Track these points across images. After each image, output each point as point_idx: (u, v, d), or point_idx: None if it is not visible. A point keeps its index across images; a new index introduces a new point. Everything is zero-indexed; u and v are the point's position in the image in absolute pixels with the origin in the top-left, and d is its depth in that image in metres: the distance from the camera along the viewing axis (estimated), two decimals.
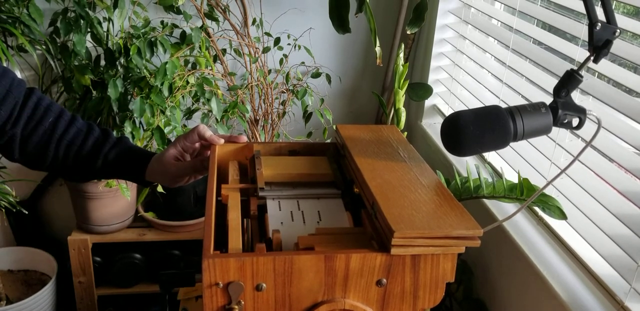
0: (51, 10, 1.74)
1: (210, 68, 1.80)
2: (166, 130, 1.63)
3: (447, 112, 1.93)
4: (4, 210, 1.75)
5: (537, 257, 1.27)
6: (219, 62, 1.91)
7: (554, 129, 0.79)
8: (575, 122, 0.79)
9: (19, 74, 1.82)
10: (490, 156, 1.62)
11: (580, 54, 1.23)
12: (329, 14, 1.68)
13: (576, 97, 1.25)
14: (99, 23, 1.70)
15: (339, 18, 1.68)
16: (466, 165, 1.51)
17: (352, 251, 0.68)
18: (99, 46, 1.76)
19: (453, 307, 1.59)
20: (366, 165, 0.84)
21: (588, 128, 0.86)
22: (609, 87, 1.16)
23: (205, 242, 0.68)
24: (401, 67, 1.59)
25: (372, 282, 0.70)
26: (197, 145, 1.01)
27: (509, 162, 1.48)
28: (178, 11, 1.79)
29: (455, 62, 1.84)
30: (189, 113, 1.84)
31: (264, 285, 0.67)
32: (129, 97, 1.68)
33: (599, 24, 0.75)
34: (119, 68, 1.74)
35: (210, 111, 1.75)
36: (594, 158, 1.20)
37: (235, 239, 0.73)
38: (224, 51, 1.92)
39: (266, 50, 1.94)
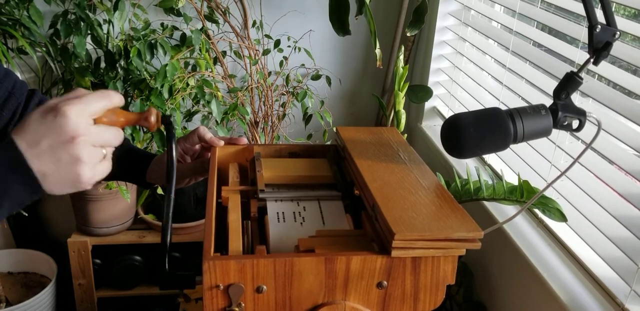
0: (51, 12, 1.74)
1: (210, 70, 1.80)
2: None
3: (447, 114, 1.93)
4: None
5: (538, 259, 1.27)
6: (219, 64, 1.91)
7: (554, 131, 0.79)
8: (575, 124, 0.79)
9: (19, 76, 1.82)
10: (490, 158, 1.62)
11: (580, 56, 1.23)
12: (329, 16, 1.68)
13: (576, 99, 1.25)
14: (99, 25, 1.71)
15: (339, 20, 1.68)
16: (466, 167, 1.51)
17: (353, 253, 0.68)
18: (99, 48, 1.76)
19: (453, 309, 1.59)
20: (366, 167, 0.84)
21: (588, 130, 0.86)
22: (609, 89, 1.16)
23: (205, 244, 0.68)
24: (401, 69, 1.59)
25: (373, 284, 0.70)
26: (197, 147, 1.01)
27: (509, 164, 1.48)
28: (178, 13, 1.80)
29: (455, 64, 1.84)
30: (189, 116, 1.84)
31: (265, 287, 0.67)
32: (129, 99, 1.68)
33: (599, 26, 0.75)
34: (119, 70, 1.74)
35: (210, 113, 1.75)
36: (594, 160, 1.20)
37: (235, 241, 0.73)
38: (224, 53, 1.92)
39: (266, 52, 1.94)
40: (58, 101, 0.62)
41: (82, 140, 0.62)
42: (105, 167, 0.67)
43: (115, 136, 0.66)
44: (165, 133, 0.79)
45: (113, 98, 0.66)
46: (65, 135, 0.61)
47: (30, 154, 0.61)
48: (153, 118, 0.72)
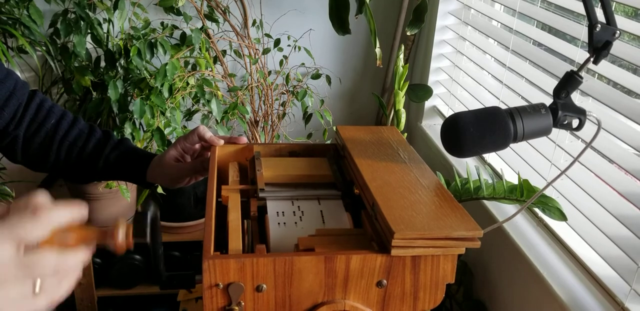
0: (51, 11, 1.74)
1: (210, 69, 1.80)
2: (166, 131, 1.63)
3: (447, 113, 1.93)
4: None
5: (537, 258, 1.27)
6: (219, 63, 1.91)
7: (554, 130, 0.79)
8: (575, 123, 0.79)
9: (19, 75, 1.82)
10: (490, 157, 1.62)
11: (580, 55, 1.23)
12: (329, 15, 1.68)
13: (576, 98, 1.25)
14: (99, 24, 1.71)
15: (338, 19, 1.68)
16: (466, 167, 1.51)
17: (352, 252, 0.68)
18: (99, 47, 1.76)
19: (453, 308, 1.59)
20: (366, 166, 0.84)
21: (588, 129, 0.86)
22: (609, 88, 1.16)
23: (205, 243, 0.68)
24: (401, 68, 1.59)
25: (373, 283, 0.70)
26: (197, 146, 1.01)
27: (509, 163, 1.48)
28: (178, 12, 1.80)
29: (455, 63, 1.84)
30: (189, 115, 1.84)
31: (264, 286, 0.67)
32: (129, 98, 1.68)
33: (599, 25, 0.75)
34: (119, 69, 1.74)
35: (210, 112, 1.75)
36: (594, 160, 1.20)
37: (235, 240, 0.73)
38: (224, 52, 1.92)
39: (266, 51, 1.94)
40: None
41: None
42: (40, 304, 0.53)
43: (53, 264, 0.52)
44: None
45: (56, 219, 0.54)
46: None
47: None
48: (120, 236, 0.56)
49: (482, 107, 0.82)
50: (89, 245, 0.56)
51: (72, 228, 0.55)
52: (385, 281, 0.70)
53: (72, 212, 0.55)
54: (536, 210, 1.32)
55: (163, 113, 1.63)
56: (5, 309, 0.50)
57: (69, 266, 0.54)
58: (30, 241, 0.52)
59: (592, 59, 0.77)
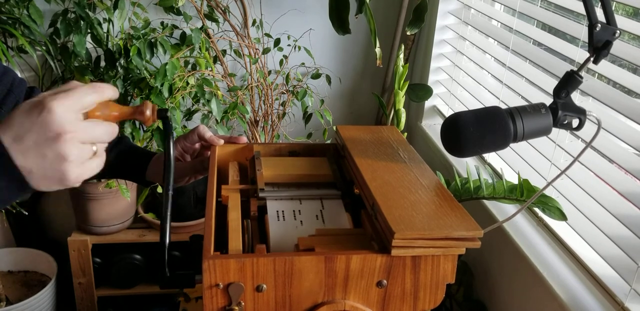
0: (51, 11, 1.74)
1: (210, 69, 1.80)
2: None
3: (447, 113, 1.93)
4: (4, 211, 1.75)
5: (537, 258, 1.27)
6: (219, 63, 1.91)
7: (554, 130, 0.79)
8: (575, 122, 0.79)
9: (19, 75, 1.82)
10: (490, 157, 1.62)
11: (580, 55, 1.23)
12: (329, 15, 1.68)
13: (576, 98, 1.25)
14: (99, 24, 1.71)
15: (339, 19, 1.68)
16: (466, 166, 1.51)
17: (353, 252, 0.68)
18: (99, 47, 1.76)
19: (453, 308, 1.59)
20: (366, 166, 0.84)
21: (588, 129, 0.86)
22: (609, 88, 1.16)
23: (205, 243, 0.68)
24: (401, 68, 1.59)
25: (373, 283, 0.70)
26: (197, 145, 1.01)
27: (509, 162, 1.48)
28: (178, 12, 1.80)
29: (455, 63, 1.84)
30: (188, 114, 1.84)
31: (264, 286, 0.67)
32: (129, 98, 1.68)
33: (599, 25, 0.75)
34: (119, 69, 1.74)
35: (210, 112, 1.75)
36: (594, 159, 1.20)
37: (235, 240, 0.73)
38: (224, 52, 1.92)
39: (266, 51, 1.94)
40: (46, 95, 0.60)
41: (69, 138, 0.58)
42: (96, 164, 0.62)
43: (107, 131, 0.63)
44: (162, 128, 0.79)
45: (105, 92, 0.63)
46: (50, 131, 0.58)
47: (15, 150, 0.58)
48: (148, 112, 0.69)
49: (482, 106, 0.82)
50: (125, 118, 0.68)
51: (110, 104, 0.65)
52: (385, 281, 0.70)
53: (109, 88, 0.64)
54: (536, 209, 1.32)
55: None
56: (69, 169, 0.59)
57: (106, 137, 0.63)
58: (85, 108, 0.61)
59: (592, 59, 0.77)
